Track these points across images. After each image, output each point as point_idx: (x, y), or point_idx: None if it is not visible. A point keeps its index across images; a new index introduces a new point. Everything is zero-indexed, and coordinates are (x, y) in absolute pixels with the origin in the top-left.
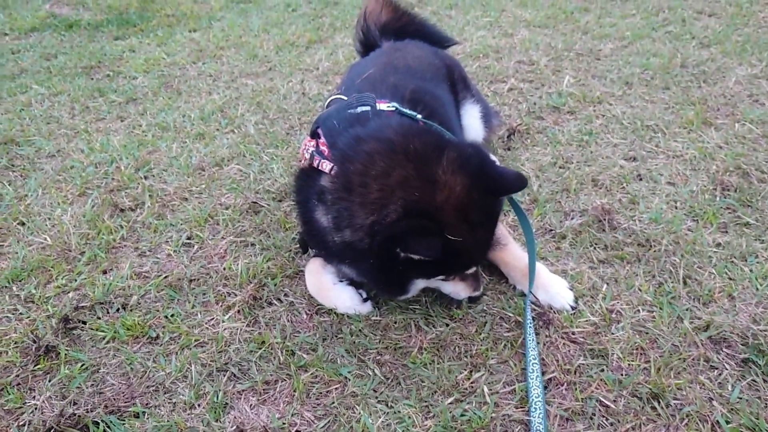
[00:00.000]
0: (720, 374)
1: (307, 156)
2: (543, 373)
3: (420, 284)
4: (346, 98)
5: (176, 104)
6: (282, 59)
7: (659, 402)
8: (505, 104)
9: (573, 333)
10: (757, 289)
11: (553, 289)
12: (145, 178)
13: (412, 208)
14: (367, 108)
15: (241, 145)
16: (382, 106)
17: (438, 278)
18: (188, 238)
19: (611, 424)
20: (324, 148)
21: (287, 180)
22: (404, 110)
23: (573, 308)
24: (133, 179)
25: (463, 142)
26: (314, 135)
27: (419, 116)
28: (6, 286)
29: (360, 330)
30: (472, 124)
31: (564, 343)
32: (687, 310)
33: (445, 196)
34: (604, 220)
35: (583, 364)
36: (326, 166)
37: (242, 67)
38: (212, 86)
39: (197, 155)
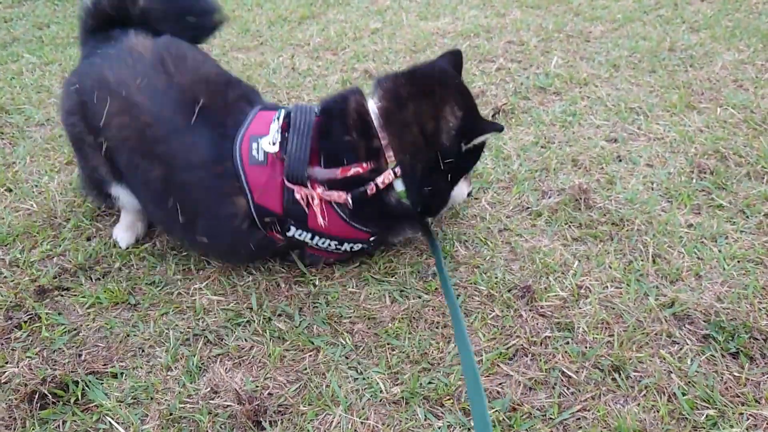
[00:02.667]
0: (681, 349)
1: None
2: (509, 345)
3: (457, 192)
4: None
5: None
6: (274, 34)
7: (620, 374)
8: (493, 84)
9: (542, 307)
10: (724, 268)
11: None
12: None
13: (465, 108)
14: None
15: None
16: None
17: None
18: None
19: (572, 393)
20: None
21: None
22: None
23: None
24: None
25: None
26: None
27: None
28: None
29: (336, 300)
30: None
31: (533, 316)
32: (654, 287)
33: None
34: (581, 199)
35: (549, 336)
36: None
37: (234, 42)
38: None
39: None
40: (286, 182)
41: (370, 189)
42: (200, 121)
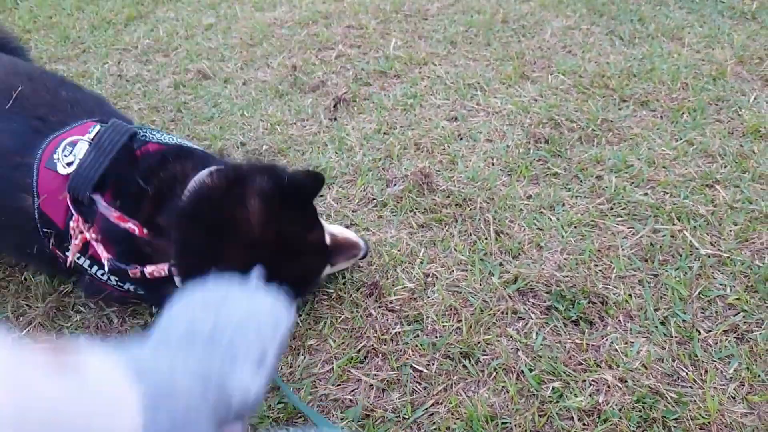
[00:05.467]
0: (526, 324)
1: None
2: (360, 348)
3: None
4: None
5: None
6: (97, 39)
7: (470, 360)
8: (333, 72)
9: (391, 302)
10: (562, 236)
11: None
12: None
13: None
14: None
15: None
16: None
17: None
18: None
19: (424, 389)
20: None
21: None
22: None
23: None
24: None
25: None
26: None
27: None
28: None
29: None
30: None
31: (382, 313)
32: (498, 264)
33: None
34: (424, 183)
35: (399, 332)
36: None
37: (52, 52)
38: None
39: None
40: (68, 197)
41: (133, 272)
42: (17, 108)
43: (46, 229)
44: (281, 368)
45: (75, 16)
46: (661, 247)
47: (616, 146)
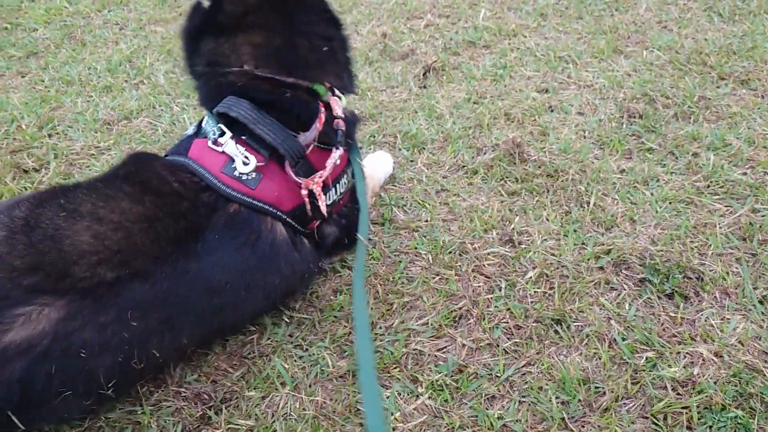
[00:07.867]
0: (619, 295)
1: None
2: (453, 309)
3: None
4: None
5: (81, 56)
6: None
7: (561, 326)
8: (422, 41)
9: (483, 267)
10: (657, 211)
11: None
12: (50, 136)
13: None
14: None
15: (151, 96)
16: None
17: None
18: None
19: (515, 351)
20: None
21: None
22: None
23: None
24: (36, 138)
25: None
26: None
27: None
28: None
29: None
30: None
31: (475, 277)
32: (591, 236)
33: None
34: (515, 153)
35: (491, 296)
36: None
37: (151, 14)
38: (119, 35)
39: (104, 109)
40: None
41: None
42: None
43: None
44: (377, 321)
45: None
46: (760, 226)
47: (714, 124)
